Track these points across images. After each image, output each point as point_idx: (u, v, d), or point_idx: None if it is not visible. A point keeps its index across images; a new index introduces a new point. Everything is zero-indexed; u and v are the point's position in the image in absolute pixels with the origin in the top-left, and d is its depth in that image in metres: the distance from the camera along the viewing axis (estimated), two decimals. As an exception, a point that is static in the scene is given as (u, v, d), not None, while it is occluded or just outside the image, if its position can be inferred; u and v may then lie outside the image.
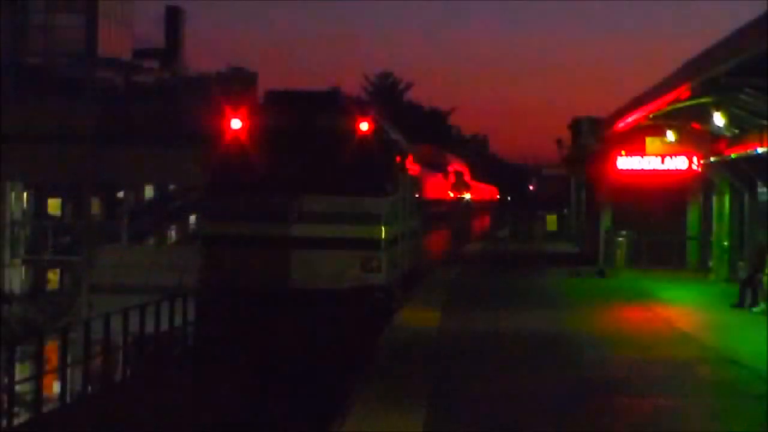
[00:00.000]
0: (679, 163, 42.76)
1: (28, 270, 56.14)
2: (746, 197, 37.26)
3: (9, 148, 50.33)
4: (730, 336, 25.16)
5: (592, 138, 53.93)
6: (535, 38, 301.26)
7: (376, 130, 24.71)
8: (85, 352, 26.85)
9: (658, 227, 43.95)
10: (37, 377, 25.07)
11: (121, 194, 62.83)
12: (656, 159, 43.05)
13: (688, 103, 31.77)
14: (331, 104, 25.46)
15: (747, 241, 36.59)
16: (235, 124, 24.50)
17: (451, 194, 55.12)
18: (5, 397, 24.69)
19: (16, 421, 24.33)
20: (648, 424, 15.74)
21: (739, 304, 30.22)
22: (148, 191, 63.78)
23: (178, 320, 30.24)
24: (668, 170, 42.98)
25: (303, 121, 24.51)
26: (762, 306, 29.56)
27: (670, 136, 40.91)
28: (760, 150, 30.70)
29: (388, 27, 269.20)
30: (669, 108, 33.81)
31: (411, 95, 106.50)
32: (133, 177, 56.62)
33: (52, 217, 59.52)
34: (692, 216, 44.66)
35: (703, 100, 30.84)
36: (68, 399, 26.69)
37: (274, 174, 24.17)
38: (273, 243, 23.94)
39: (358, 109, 25.44)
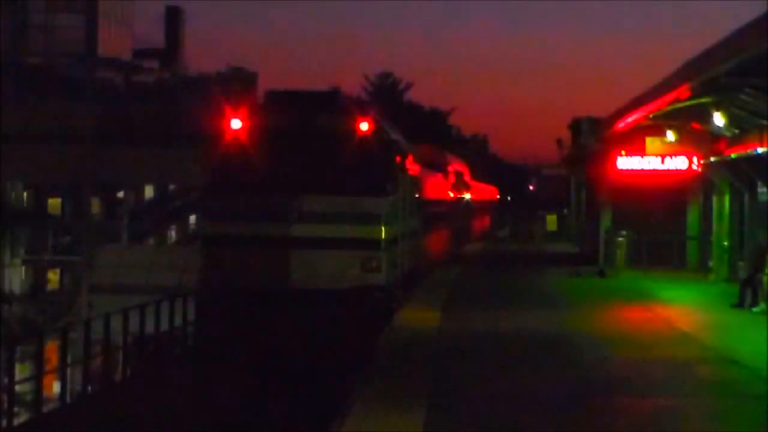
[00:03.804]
0: (679, 163, 42.74)
1: (28, 270, 56.17)
2: (746, 197, 37.24)
3: (9, 148, 50.34)
4: (730, 336, 25.14)
5: (592, 138, 53.93)
6: (535, 38, 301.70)
7: (376, 130, 24.69)
8: (85, 352, 26.83)
9: (658, 227, 43.94)
10: (37, 377, 25.05)
11: (121, 194, 62.87)
12: (656, 159, 43.03)
13: (688, 103, 31.77)
14: (331, 104, 25.44)
15: (747, 241, 36.58)
16: (235, 124, 24.48)
17: (451, 194, 55.09)
18: (5, 397, 24.68)
19: (16, 421, 24.31)
20: (648, 424, 15.73)
21: (739, 304, 30.19)
22: (148, 191, 63.82)
23: (178, 320, 30.22)
24: (668, 170, 42.96)
25: (303, 121, 24.49)
26: (762, 306, 29.54)
27: (670, 136, 40.91)
28: (760, 150, 30.70)
29: (388, 27, 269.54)
30: (669, 108, 33.79)
31: (411, 95, 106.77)
32: (133, 177, 56.64)
33: (52, 217, 59.52)
34: (692, 216, 44.65)
35: (703, 100, 30.84)
36: (68, 399, 26.67)
37: (274, 174, 24.14)
38: (273, 243, 23.92)
39: (358, 109, 25.42)
